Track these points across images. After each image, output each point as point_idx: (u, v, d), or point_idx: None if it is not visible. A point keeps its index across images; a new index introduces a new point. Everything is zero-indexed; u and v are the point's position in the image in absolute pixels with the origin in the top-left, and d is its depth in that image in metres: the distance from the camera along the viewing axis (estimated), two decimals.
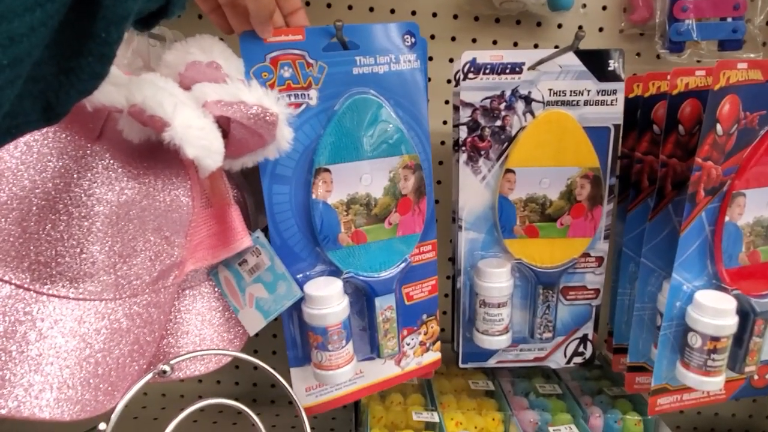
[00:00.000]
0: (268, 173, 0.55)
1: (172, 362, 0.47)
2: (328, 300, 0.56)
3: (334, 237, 0.58)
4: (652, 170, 0.66)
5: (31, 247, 0.42)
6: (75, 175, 0.43)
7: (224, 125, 0.47)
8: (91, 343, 0.43)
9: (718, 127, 0.55)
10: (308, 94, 0.55)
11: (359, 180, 0.58)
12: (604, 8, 0.78)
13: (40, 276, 0.43)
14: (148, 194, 0.46)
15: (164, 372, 0.46)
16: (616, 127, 0.62)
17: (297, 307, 0.58)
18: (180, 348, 0.53)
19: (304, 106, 0.55)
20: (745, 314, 0.60)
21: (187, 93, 0.44)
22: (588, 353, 0.72)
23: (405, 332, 0.64)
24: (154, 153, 0.46)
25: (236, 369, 0.92)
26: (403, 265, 0.61)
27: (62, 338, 0.42)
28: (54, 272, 0.43)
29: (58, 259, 0.43)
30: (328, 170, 0.56)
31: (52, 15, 0.27)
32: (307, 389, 0.63)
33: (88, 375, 0.43)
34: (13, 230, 0.41)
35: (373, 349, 0.63)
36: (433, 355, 0.67)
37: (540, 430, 0.73)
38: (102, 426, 0.43)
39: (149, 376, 0.45)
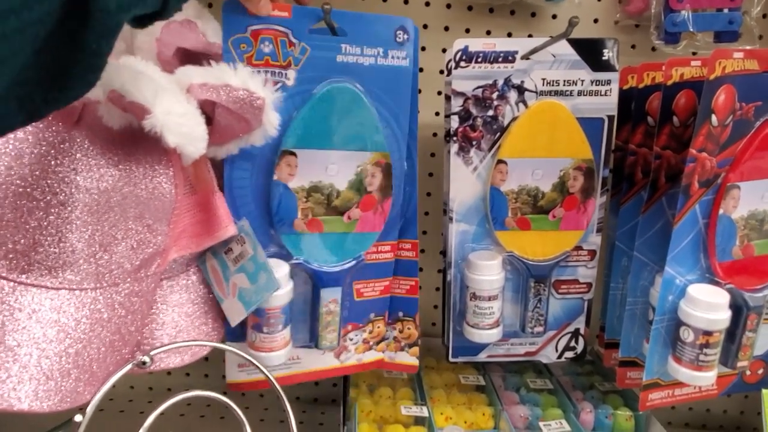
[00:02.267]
0: None
1: (152, 353, 0.46)
2: None
3: (289, 221, 0.57)
4: (646, 163, 0.65)
5: (8, 236, 0.41)
6: (53, 162, 0.42)
7: (209, 111, 0.46)
8: (71, 333, 0.42)
9: (713, 117, 0.54)
10: (286, 74, 0.53)
11: (325, 169, 0.57)
12: None
13: (17, 265, 0.42)
14: (129, 181, 0.44)
15: (144, 363, 0.45)
16: (610, 118, 0.62)
17: None
18: (156, 340, 0.51)
19: (279, 85, 0.53)
20: (738, 309, 0.59)
21: (170, 76, 0.43)
22: (580, 348, 0.71)
23: (350, 327, 0.64)
24: (135, 139, 0.45)
25: (224, 362, 0.90)
26: (354, 261, 0.61)
27: (41, 328, 0.41)
28: (32, 261, 0.42)
29: (37, 248, 0.42)
30: (293, 153, 0.55)
31: (37, 20, 0.26)
32: (239, 366, 0.62)
33: (68, 366, 0.42)
34: None
35: (312, 338, 0.63)
36: (375, 355, 0.66)
37: (530, 425, 0.72)
38: (78, 418, 0.42)
39: (128, 367, 0.44)
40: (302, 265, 0.59)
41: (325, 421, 0.88)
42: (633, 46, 0.79)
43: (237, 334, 0.60)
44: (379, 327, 0.65)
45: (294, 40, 0.52)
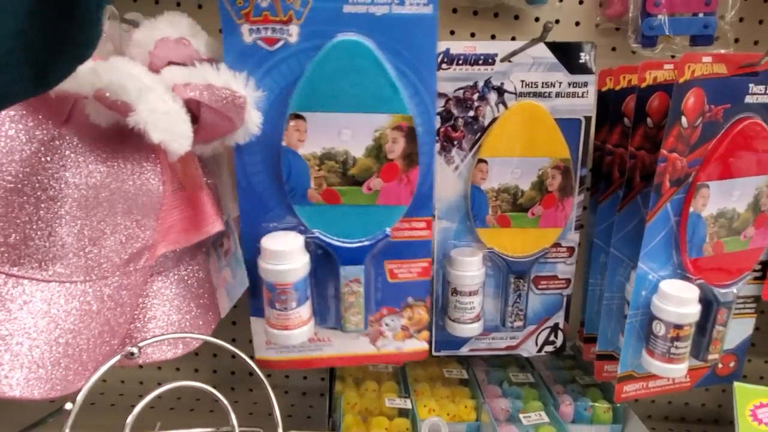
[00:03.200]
0: None
1: (140, 344, 0.48)
2: (280, 256, 0.53)
3: (302, 191, 0.54)
4: (622, 162, 0.67)
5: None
6: (43, 159, 0.43)
7: (194, 110, 0.47)
8: (61, 324, 0.44)
9: (683, 119, 0.56)
10: (288, 30, 0.49)
11: (338, 134, 0.52)
12: (581, 2, 0.79)
13: (9, 258, 0.43)
14: (117, 178, 0.46)
15: (132, 354, 0.47)
16: (587, 118, 0.63)
17: None
18: (147, 333, 0.53)
19: (282, 43, 0.50)
20: (708, 303, 0.61)
21: (156, 76, 0.44)
22: (559, 342, 0.73)
23: (384, 311, 0.61)
24: (123, 137, 0.46)
25: (214, 357, 0.92)
26: (377, 238, 0.57)
27: (32, 319, 0.43)
28: (23, 254, 0.43)
29: (27, 242, 0.43)
30: (302, 117, 0.51)
31: None
32: (267, 343, 0.60)
33: (58, 355, 0.43)
34: None
35: (337, 320, 0.60)
36: (417, 344, 0.63)
37: (511, 418, 0.74)
38: (68, 406, 0.43)
39: (117, 357, 0.46)
40: (319, 239, 0.56)
41: (313, 414, 0.90)
42: (613, 49, 0.80)
43: (260, 310, 0.58)
44: (420, 313, 0.61)
45: None
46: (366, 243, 0.57)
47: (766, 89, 0.57)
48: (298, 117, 0.51)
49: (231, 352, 0.53)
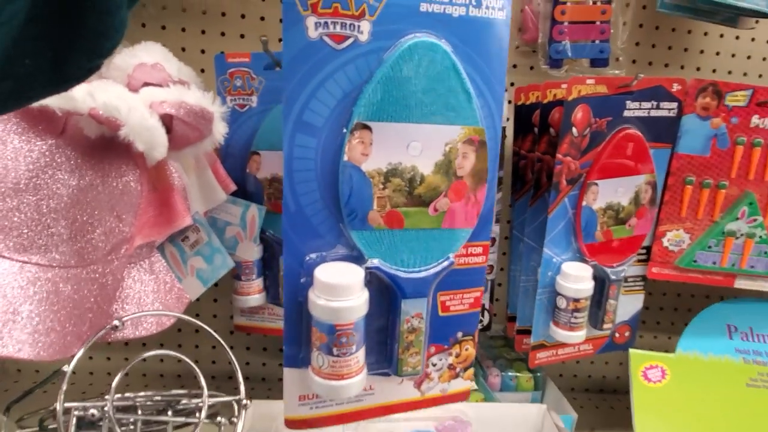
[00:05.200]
0: (293, 119, 0.44)
1: (124, 318, 0.57)
2: (341, 291, 0.45)
3: (363, 214, 0.47)
4: (533, 165, 0.79)
5: (6, 223, 0.51)
6: (42, 164, 0.52)
7: (168, 123, 0.57)
8: (59, 300, 0.53)
9: (574, 129, 0.68)
10: (359, 26, 0.43)
11: (406, 147, 0.46)
12: None
13: (15, 246, 0.52)
14: (103, 180, 0.55)
15: (116, 327, 0.56)
16: (502, 128, 0.75)
17: None
18: (126, 312, 0.62)
19: (351, 41, 0.44)
20: (601, 281, 0.74)
21: (136, 95, 0.54)
22: (485, 321, 0.84)
23: (432, 349, 0.54)
24: (108, 146, 0.56)
25: (196, 348, 1.00)
26: (445, 264, 0.51)
27: (35, 296, 0.51)
28: (26, 243, 0.52)
29: (30, 233, 0.52)
30: (368, 127, 0.45)
31: None
32: (300, 398, 0.51)
33: (56, 325, 0.52)
34: None
35: (390, 364, 0.52)
36: (463, 384, 0.57)
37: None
38: (65, 368, 0.52)
39: (104, 330, 0.55)
40: (379, 269, 0.48)
41: (272, 395, 0.99)
42: (531, 68, 0.93)
43: (298, 359, 0.50)
44: (467, 349, 0.56)
45: None
46: (431, 272, 0.50)
47: (640, 105, 0.70)
48: (364, 127, 0.45)
49: (203, 330, 0.63)
